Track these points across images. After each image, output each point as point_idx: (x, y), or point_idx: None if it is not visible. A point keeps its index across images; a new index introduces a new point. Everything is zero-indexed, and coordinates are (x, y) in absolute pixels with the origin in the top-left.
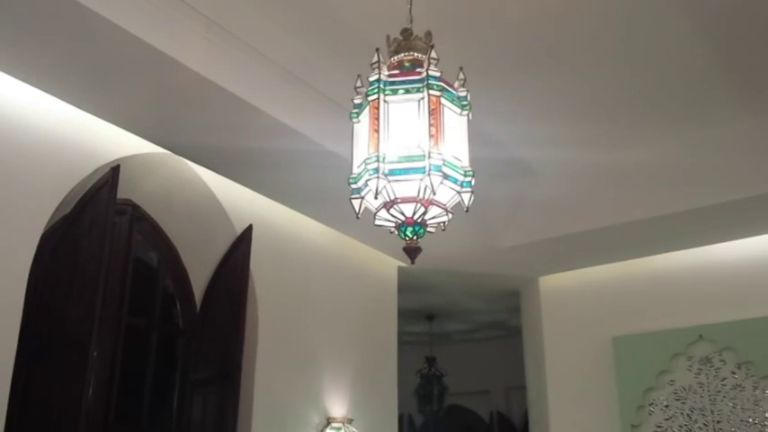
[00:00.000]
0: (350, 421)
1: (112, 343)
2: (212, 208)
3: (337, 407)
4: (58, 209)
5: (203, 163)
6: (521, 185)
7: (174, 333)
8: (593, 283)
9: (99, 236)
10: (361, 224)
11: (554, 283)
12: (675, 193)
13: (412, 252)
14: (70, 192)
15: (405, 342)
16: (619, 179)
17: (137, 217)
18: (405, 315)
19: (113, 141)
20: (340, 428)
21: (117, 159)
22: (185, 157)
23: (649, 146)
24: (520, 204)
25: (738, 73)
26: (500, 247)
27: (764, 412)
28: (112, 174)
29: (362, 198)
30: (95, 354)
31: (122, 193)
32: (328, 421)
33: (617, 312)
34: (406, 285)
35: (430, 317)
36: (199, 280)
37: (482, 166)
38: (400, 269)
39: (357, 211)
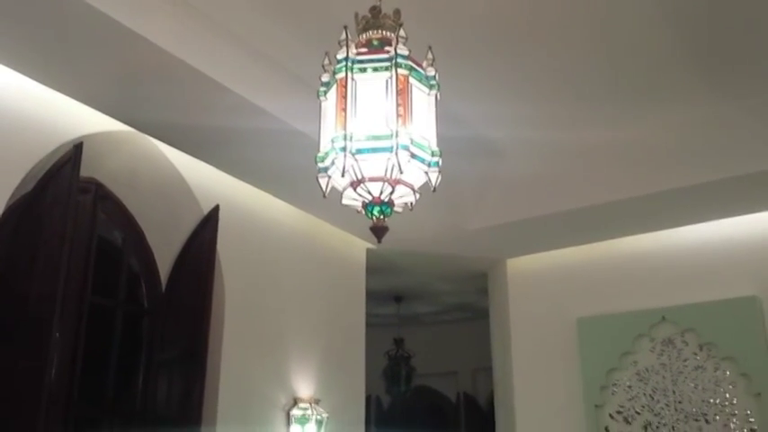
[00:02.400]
0: (317, 402)
1: (76, 322)
2: (178, 187)
3: (304, 387)
4: (19, 186)
5: (169, 141)
6: (489, 166)
7: (139, 313)
8: (559, 265)
9: (62, 214)
10: (329, 205)
11: (521, 266)
12: (642, 175)
13: (379, 231)
14: (32, 169)
15: (373, 324)
16: (586, 161)
17: (101, 195)
18: (373, 297)
19: (76, 118)
20: (307, 409)
21: (80, 137)
22: (150, 135)
23: (617, 128)
24: (488, 186)
25: (706, 56)
26: (468, 228)
27: (725, 393)
28: (75, 151)
29: (329, 177)
30: (58, 333)
31: (86, 171)
32: (295, 401)
33: (582, 294)
34: (375, 267)
35: (398, 299)
36: (164, 260)
37: (450, 147)
38: (369, 251)
39: (324, 189)
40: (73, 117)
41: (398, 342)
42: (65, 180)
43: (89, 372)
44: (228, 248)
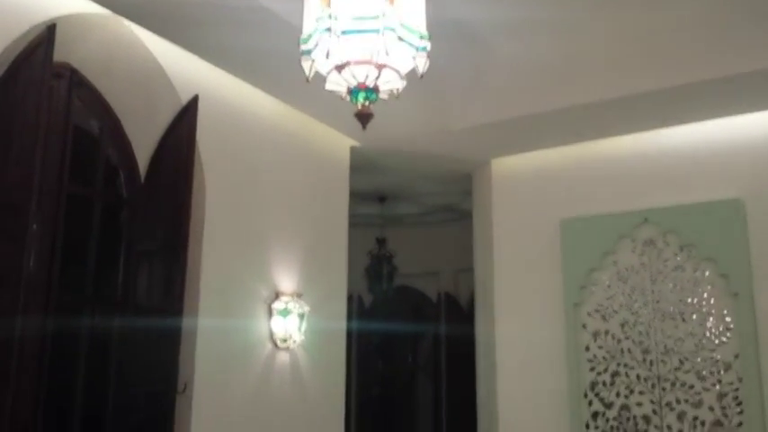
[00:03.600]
0: (299, 296)
1: (54, 211)
2: (156, 76)
3: (286, 282)
4: None
5: (145, 24)
6: (477, 65)
7: (117, 204)
8: (543, 167)
9: (35, 99)
10: (312, 96)
11: (506, 167)
12: (632, 75)
13: (363, 118)
14: (2, 52)
15: (356, 224)
16: (574, 62)
17: (76, 82)
18: (356, 196)
19: None
20: (289, 302)
21: (53, 18)
22: (126, 17)
23: (607, 29)
24: (474, 85)
25: None
26: (454, 128)
27: (703, 293)
28: (48, 32)
29: (313, 60)
30: (36, 225)
31: (59, 56)
32: (277, 295)
33: (566, 196)
34: (358, 166)
35: (381, 199)
36: (142, 151)
37: (438, 43)
38: (352, 149)
39: (307, 73)
40: None
41: (381, 242)
42: (38, 64)
43: (68, 262)
44: (209, 141)
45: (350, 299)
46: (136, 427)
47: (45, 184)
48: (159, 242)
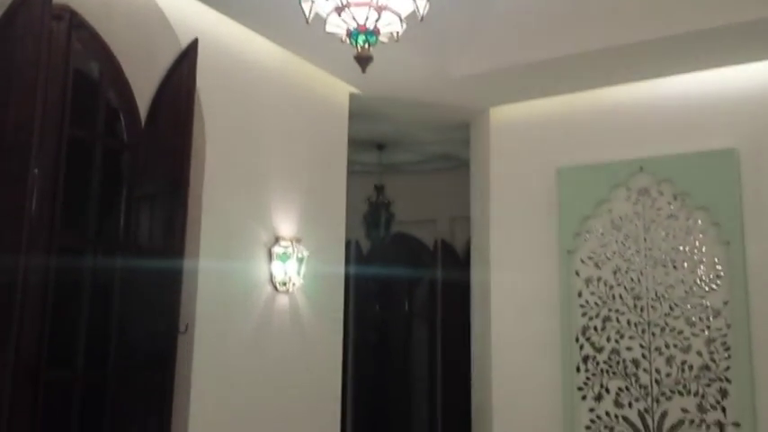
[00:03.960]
0: (298, 241)
1: (55, 153)
2: (155, 18)
3: (286, 227)
4: None
5: None
6: (476, 12)
7: (118, 148)
8: (541, 116)
9: (35, 41)
10: (312, 43)
11: (504, 115)
12: (629, 24)
13: (363, 61)
14: None
15: (355, 171)
16: (574, 11)
17: (75, 24)
18: (355, 144)
19: None
20: (288, 246)
21: None
22: None
23: None
24: (474, 31)
25: None
26: (453, 75)
27: (695, 241)
28: None
29: (312, 2)
30: (37, 163)
31: None
32: (276, 239)
33: (563, 145)
34: (357, 113)
35: (380, 146)
36: (143, 94)
37: None
38: (352, 96)
39: (307, 15)
40: None
41: (379, 189)
42: (37, 5)
43: (70, 204)
44: (208, 86)
45: (348, 245)
46: (138, 366)
47: (46, 125)
48: (160, 185)
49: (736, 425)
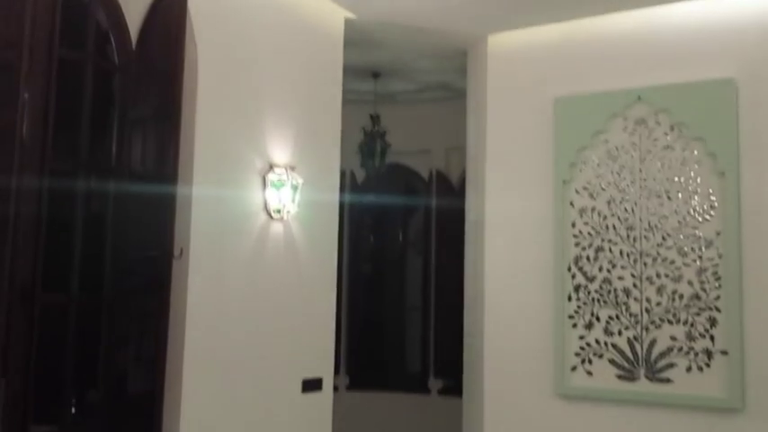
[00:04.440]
0: (292, 168)
1: (46, 74)
2: None
3: (280, 154)
4: None
5: None
6: None
7: (109, 69)
8: (539, 44)
9: None
10: None
11: (501, 43)
12: None
13: None
14: None
15: (350, 100)
16: None
17: None
18: (350, 72)
19: None
20: (282, 174)
21: None
22: None
23: None
24: None
25: None
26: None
27: (690, 171)
28: None
29: None
30: (28, 83)
31: None
32: (271, 166)
33: (560, 74)
34: (353, 40)
35: (376, 75)
36: (133, 16)
37: None
38: (347, 21)
39: None
40: None
41: (374, 118)
42: None
43: (62, 127)
44: (200, 9)
45: (342, 174)
46: (134, 290)
47: (35, 46)
48: (152, 109)
49: (724, 353)
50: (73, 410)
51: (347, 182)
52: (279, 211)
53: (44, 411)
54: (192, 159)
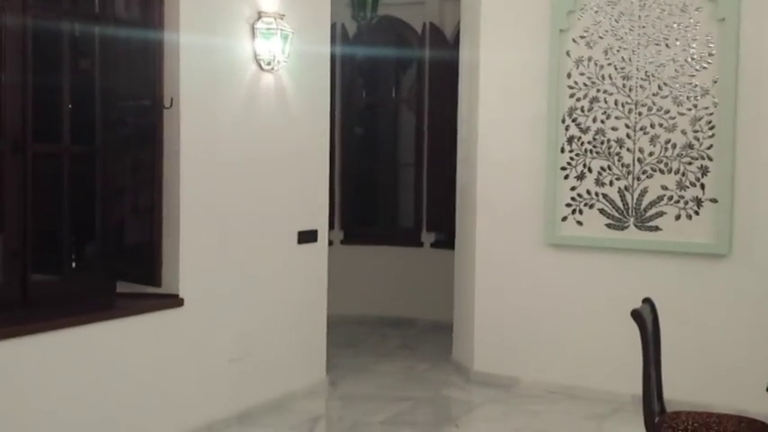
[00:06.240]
0: (281, 17)
1: None
2: None
3: (268, 0)
4: None
5: None
6: None
7: None
8: None
9: None
10: None
11: None
12: None
13: None
14: None
15: None
16: None
17: None
18: None
19: None
20: (271, 23)
21: None
22: None
23: None
24: None
25: None
26: None
27: (690, 17)
28: None
29: None
30: None
31: None
32: (259, 15)
33: None
34: None
35: None
36: None
37: None
38: None
39: None
40: None
41: None
42: None
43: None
44: None
45: (333, 28)
46: (126, 141)
47: None
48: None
49: (714, 201)
50: (73, 264)
51: (338, 34)
52: (269, 63)
53: (45, 263)
54: (177, 4)
